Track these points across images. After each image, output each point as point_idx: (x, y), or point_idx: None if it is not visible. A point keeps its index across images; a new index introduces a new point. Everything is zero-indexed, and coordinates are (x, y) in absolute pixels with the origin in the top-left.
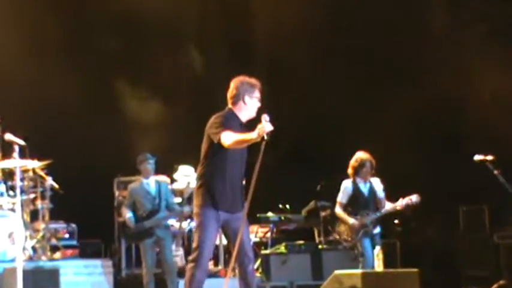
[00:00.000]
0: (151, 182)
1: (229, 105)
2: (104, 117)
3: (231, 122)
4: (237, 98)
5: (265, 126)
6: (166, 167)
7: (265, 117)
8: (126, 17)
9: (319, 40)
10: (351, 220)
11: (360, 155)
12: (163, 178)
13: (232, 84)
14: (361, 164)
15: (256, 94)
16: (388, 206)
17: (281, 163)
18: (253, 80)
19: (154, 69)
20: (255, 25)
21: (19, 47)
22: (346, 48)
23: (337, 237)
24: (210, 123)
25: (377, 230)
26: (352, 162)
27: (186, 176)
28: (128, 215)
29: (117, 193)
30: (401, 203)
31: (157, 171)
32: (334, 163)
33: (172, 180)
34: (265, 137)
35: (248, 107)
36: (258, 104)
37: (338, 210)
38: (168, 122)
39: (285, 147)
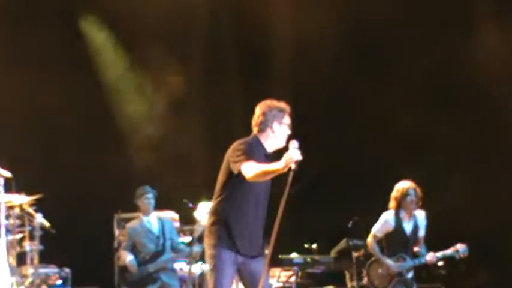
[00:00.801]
0: (152, 219)
1: (255, 132)
2: (103, 142)
3: (256, 151)
4: (264, 125)
5: (293, 154)
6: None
7: (293, 144)
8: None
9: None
10: (388, 261)
11: (403, 184)
12: (168, 214)
13: (259, 109)
14: (405, 193)
15: (286, 120)
16: (429, 256)
17: (307, 195)
18: (282, 104)
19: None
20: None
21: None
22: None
23: (367, 281)
24: (232, 150)
25: (410, 274)
26: (394, 193)
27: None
28: (128, 258)
29: (117, 232)
30: (445, 254)
31: (164, 207)
32: (370, 196)
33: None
34: (293, 167)
35: (276, 135)
36: (288, 132)
37: (371, 242)
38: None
39: (312, 177)
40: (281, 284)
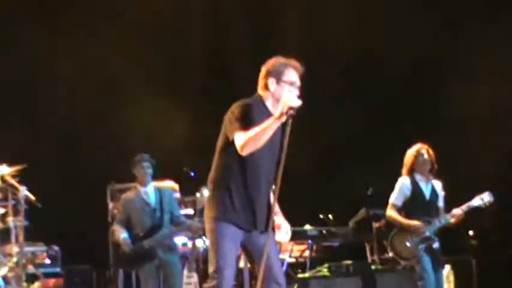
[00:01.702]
0: (150, 190)
1: (258, 92)
2: (95, 105)
3: (255, 114)
4: (265, 84)
5: (290, 99)
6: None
7: (288, 88)
8: None
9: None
10: (415, 222)
11: (418, 147)
12: (167, 184)
13: (264, 67)
14: (416, 155)
15: (289, 77)
16: (454, 211)
17: (322, 161)
18: (287, 61)
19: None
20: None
21: None
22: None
23: (393, 254)
24: (229, 112)
25: (436, 244)
26: (408, 157)
27: None
28: (122, 235)
29: (111, 205)
30: (470, 205)
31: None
32: (391, 160)
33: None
34: (290, 112)
35: (275, 94)
36: (295, 92)
37: (391, 213)
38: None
39: (327, 140)
40: (294, 259)
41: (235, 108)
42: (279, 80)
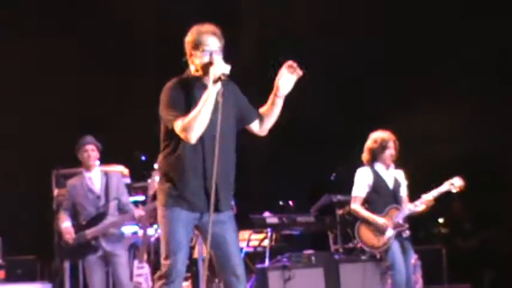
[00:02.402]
0: (95, 175)
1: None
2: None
3: (182, 94)
4: (188, 57)
5: (218, 67)
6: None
7: (213, 56)
8: None
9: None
10: (380, 219)
11: (380, 134)
12: (117, 169)
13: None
14: (383, 146)
15: (207, 43)
16: (424, 197)
17: (281, 145)
18: (202, 26)
19: None
20: None
21: None
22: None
23: (360, 244)
24: (160, 101)
25: (406, 232)
26: (370, 143)
27: None
28: (64, 223)
29: (56, 191)
30: (440, 190)
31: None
32: (355, 143)
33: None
34: (222, 78)
35: (201, 65)
36: (217, 56)
37: (356, 207)
38: None
39: (286, 124)
40: (252, 249)
41: (162, 95)
42: (197, 50)
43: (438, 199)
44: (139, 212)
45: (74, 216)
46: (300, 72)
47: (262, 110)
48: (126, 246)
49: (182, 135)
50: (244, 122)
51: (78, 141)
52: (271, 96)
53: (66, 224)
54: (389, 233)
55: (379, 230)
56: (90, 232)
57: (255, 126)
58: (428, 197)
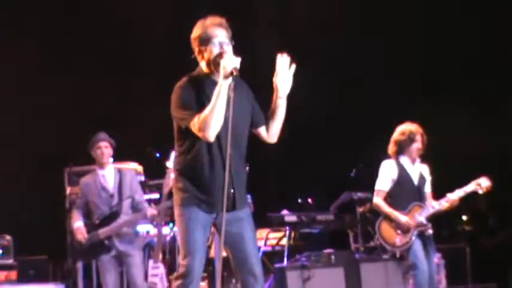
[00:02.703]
0: (108, 173)
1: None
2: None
3: (194, 93)
4: (196, 55)
5: (229, 59)
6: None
7: (224, 49)
8: None
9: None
10: (403, 218)
11: (408, 126)
12: (131, 166)
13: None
14: (410, 138)
15: (213, 36)
16: (449, 196)
17: (300, 142)
18: (206, 20)
19: None
20: None
21: None
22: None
23: (381, 242)
24: (171, 101)
25: (429, 231)
26: (397, 135)
27: None
28: (76, 223)
29: (69, 190)
30: (465, 189)
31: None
32: (375, 140)
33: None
34: (234, 74)
35: (210, 61)
36: (228, 48)
37: (378, 201)
38: None
39: (305, 121)
40: (270, 248)
41: (173, 94)
42: (204, 44)
43: (463, 198)
44: (152, 211)
45: (87, 215)
46: (292, 65)
47: (267, 115)
48: (141, 245)
49: (200, 134)
50: (254, 125)
51: (91, 138)
52: (273, 99)
53: (78, 224)
54: (412, 232)
55: (401, 229)
56: (103, 232)
57: (263, 132)
58: (454, 196)
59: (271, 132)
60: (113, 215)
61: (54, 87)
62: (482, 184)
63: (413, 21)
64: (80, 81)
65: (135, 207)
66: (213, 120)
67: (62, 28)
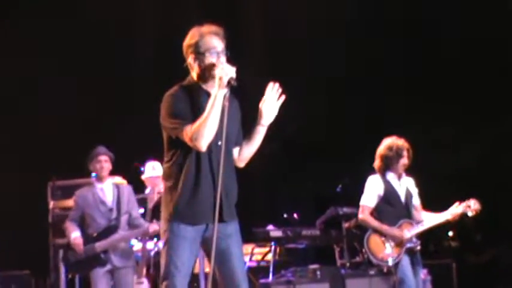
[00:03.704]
0: (107, 187)
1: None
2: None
3: (185, 102)
4: (188, 62)
5: (226, 70)
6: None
7: (220, 59)
8: None
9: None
10: (393, 229)
11: (394, 140)
12: (114, 179)
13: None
14: (398, 154)
15: (207, 44)
16: (436, 217)
17: (286, 157)
18: (202, 27)
19: None
20: None
21: None
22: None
23: (369, 256)
24: (161, 110)
25: (419, 246)
26: (383, 150)
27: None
28: (73, 234)
29: (51, 204)
30: (454, 211)
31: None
32: (361, 155)
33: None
34: (232, 83)
35: (202, 69)
36: (221, 60)
37: (365, 217)
38: None
39: (291, 135)
40: (255, 263)
41: (163, 103)
42: (197, 52)
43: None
44: (154, 226)
45: (81, 228)
46: (282, 96)
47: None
48: (134, 262)
49: (191, 144)
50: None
51: (91, 152)
52: (254, 124)
53: (75, 234)
54: (402, 248)
55: (395, 241)
56: (99, 245)
57: (235, 153)
58: (445, 217)
59: (242, 157)
60: (111, 229)
61: (33, 103)
62: (471, 206)
63: (395, 33)
64: (62, 93)
65: (131, 223)
66: (206, 130)
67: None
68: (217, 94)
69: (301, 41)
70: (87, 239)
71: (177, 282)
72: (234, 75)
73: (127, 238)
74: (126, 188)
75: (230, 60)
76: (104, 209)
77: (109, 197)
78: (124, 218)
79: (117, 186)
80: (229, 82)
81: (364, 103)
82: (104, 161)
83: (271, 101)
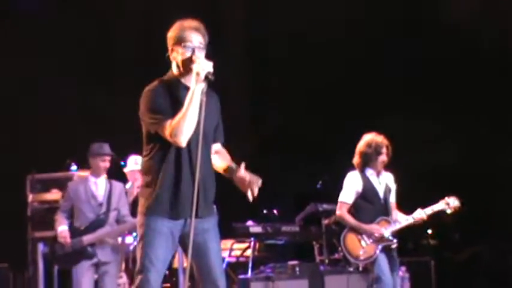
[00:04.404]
0: (100, 182)
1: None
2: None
3: (164, 97)
4: (168, 54)
5: (201, 65)
6: None
7: (196, 54)
8: None
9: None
10: (369, 226)
11: (373, 137)
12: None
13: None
14: (377, 151)
15: (189, 39)
16: (416, 213)
17: (265, 152)
18: (184, 22)
19: None
20: None
21: None
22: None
23: (345, 254)
24: (141, 102)
25: (395, 244)
26: (363, 147)
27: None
28: (60, 227)
29: (31, 197)
30: (434, 208)
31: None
32: (341, 151)
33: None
34: (210, 78)
35: (182, 63)
36: (200, 53)
37: (343, 213)
38: None
39: (271, 131)
40: (234, 259)
41: (142, 98)
42: (178, 46)
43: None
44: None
45: (71, 218)
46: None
47: (220, 156)
48: (119, 257)
49: (171, 140)
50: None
51: (96, 148)
52: (229, 171)
53: (62, 228)
54: (376, 246)
55: (372, 238)
56: (87, 239)
57: (212, 149)
58: (421, 214)
59: (215, 163)
60: (99, 223)
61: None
62: (451, 204)
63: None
64: (44, 85)
65: (120, 220)
66: (185, 125)
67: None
68: (195, 89)
69: (287, 40)
70: (75, 232)
71: (151, 276)
72: (211, 69)
73: (114, 233)
74: (119, 186)
75: (209, 56)
76: (94, 203)
77: (101, 192)
78: (113, 214)
79: (110, 183)
80: (206, 77)
81: (344, 100)
82: (108, 161)
83: (252, 186)
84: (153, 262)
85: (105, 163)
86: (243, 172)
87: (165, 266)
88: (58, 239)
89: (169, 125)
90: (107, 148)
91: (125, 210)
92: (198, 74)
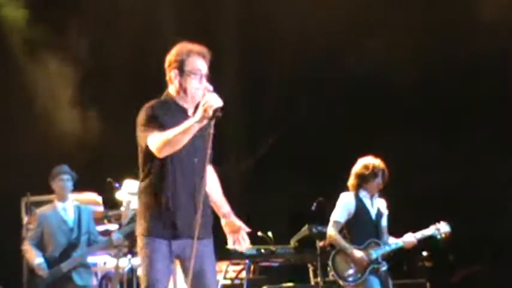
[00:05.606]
0: (68, 206)
1: (168, 89)
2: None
3: (160, 113)
4: (169, 76)
5: (211, 100)
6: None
7: (207, 88)
8: None
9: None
10: (357, 253)
11: (371, 160)
12: (89, 197)
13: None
14: (373, 173)
15: (193, 65)
16: (406, 237)
17: (261, 173)
18: (192, 46)
19: None
20: None
21: None
22: None
23: (334, 274)
24: (137, 123)
25: (384, 266)
26: (359, 168)
27: (133, 195)
28: (36, 260)
29: (26, 219)
30: (425, 233)
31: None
32: (337, 172)
33: (109, 202)
34: (217, 114)
35: (182, 87)
36: (199, 83)
37: (333, 233)
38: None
39: (266, 151)
40: (229, 281)
41: (141, 112)
42: (181, 70)
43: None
44: (116, 235)
45: (41, 247)
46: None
47: (212, 182)
48: (95, 278)
49: (153, 150)
50: None
51: (53, 170)
52: (219, 208)
53: (38, 261)
54: (366, 269)
55: (356, 264)
56: (65, 265)
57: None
58: (411, 239)
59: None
60: (72, 248)
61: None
62: (441, 229)
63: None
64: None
65: (92, 242)
66: (170, 147)
67: None
68: (196, 124)
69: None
70: (50, 259)
71: None
72: (220, 105)
73: (90, 253)
74: (86, 210)
75: (210, 80)
76: (65, 228)
77: (70, 217)
78: (84, 238)
79: (78, 207)
80: (214, 112)
81: (342, 122)
82: (67, 180)
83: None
84: (158, 279)
85: (63, 183)
86: (232, 219)
87: (168, 281)
88: (36, 271)
89: (157, 137)
90: (63, 168)
91: (95, 232)
92: (205, 110)
